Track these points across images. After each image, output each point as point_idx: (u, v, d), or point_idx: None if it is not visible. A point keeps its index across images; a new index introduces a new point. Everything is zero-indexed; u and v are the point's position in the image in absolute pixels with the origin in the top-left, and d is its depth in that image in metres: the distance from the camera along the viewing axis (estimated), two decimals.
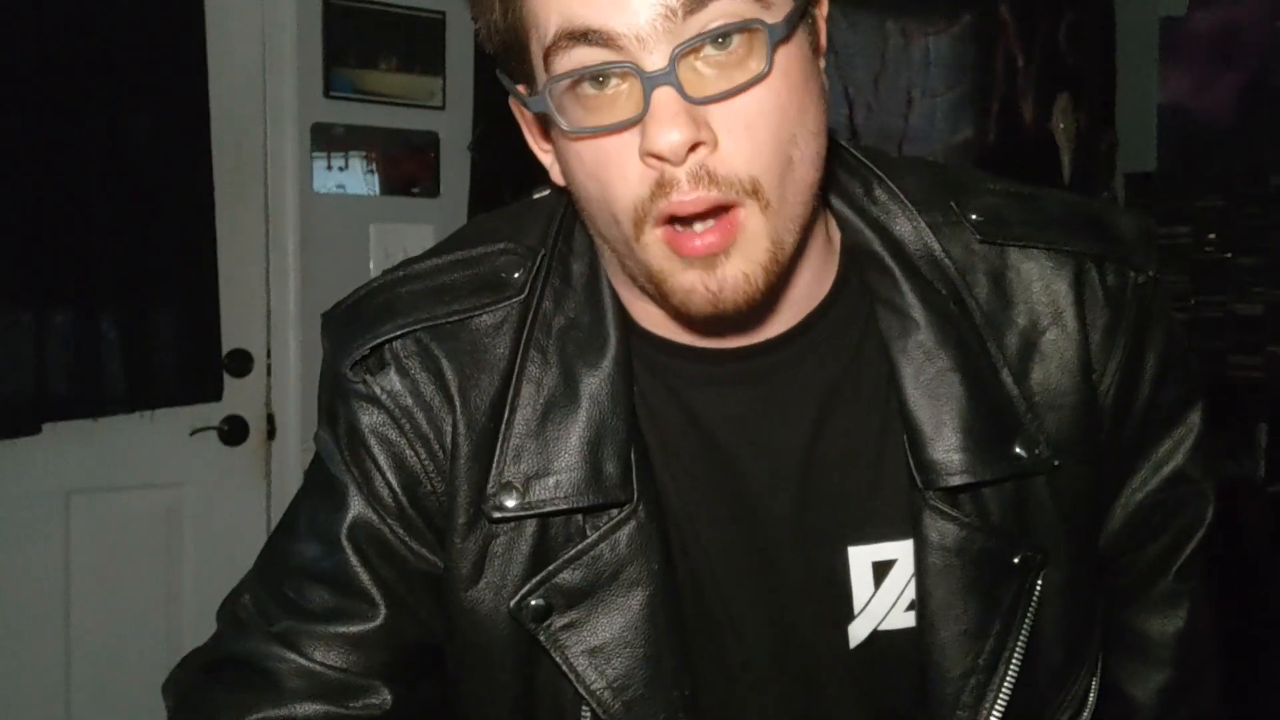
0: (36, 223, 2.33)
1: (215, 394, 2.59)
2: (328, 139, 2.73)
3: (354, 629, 0.89)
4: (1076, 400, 0.88)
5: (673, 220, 0.77)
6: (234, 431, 2.65)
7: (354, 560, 0.89)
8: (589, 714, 0.87)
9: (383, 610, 0.89)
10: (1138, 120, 4.06)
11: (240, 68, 2.65)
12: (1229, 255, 3.83)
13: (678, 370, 0.88)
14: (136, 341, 2.46)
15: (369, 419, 0.89)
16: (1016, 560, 0.86)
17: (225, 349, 2.62)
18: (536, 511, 0.85)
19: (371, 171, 2.80)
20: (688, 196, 0.75)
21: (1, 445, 2.37)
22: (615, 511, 0.85)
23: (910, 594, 0.87)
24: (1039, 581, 0.87)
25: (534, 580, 0.85)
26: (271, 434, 2.71)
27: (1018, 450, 0.86)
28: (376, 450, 0.89)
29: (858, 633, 0.89)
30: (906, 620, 0.88)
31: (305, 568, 0.91)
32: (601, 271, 0.89)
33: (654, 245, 0.78)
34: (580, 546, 0.85)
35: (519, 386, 0.87)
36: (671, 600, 0.86)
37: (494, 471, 0.86)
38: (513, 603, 0.85)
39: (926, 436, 0.85)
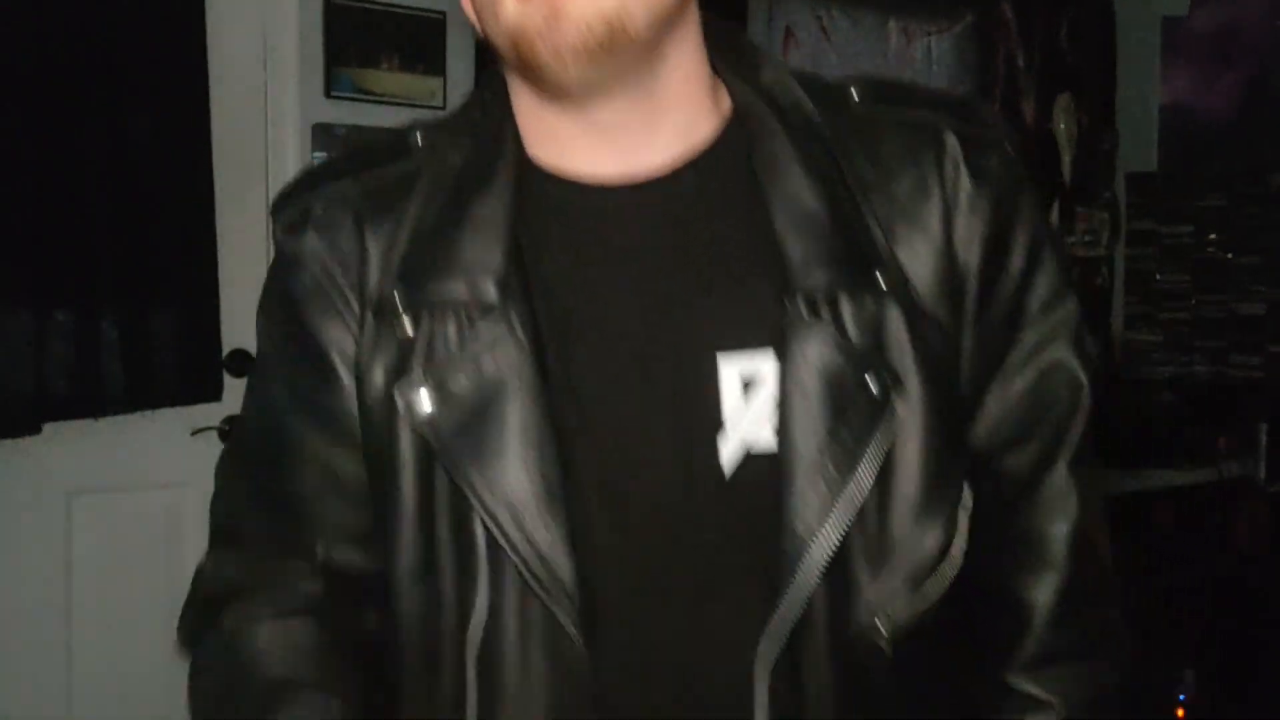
0: (36, 223, 2.33)
1: (216, 394, 2.59)
2: (329, 139, 2.72)
3: (293, 487, 0.97)
4: (939, 266, 0.92)
5: None
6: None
7: (293, 422, 0.97)
8: (482, 529, 0.90)
9: (319, 463, 0.96)
10: (1139, 120, 4.06)
11: (241, 67, 2.65)
12: (1230, 255, 3.83)
13: (566, 203, 0.93)
14: (137, 341, 2.46)
15: (296, 281, 0.96)
16: (870, 380, 0.89)
17: (226, 349, 2.62)
18: (426, 306, 0.92)
19: None
20: None
21: (2, 445, 2.37)
22: (495, 328, 0.90)
23: (776, 415, 0.90)
24: (892, 408, 0.89)
25: (427, 383, 0.90)
26: None
27: (878, 277, 0.90)
28: (305, 310, 0.96)
29: (730, 453, 0.91)
30: (772, 443, 0.90)
31: (250, 442, 1.01)
32: (508, 120, 0.95)
33: (509, 3, 0.83)
34: (466, 354, 0.90)
35: (417, 214, 0.94)
36: (553, 421, 0.90)
37: (392, 282, 0.93)
38: (405, 404, 0.91)
39: (793, 261, 0.90)
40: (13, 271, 2.32)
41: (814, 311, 0.89)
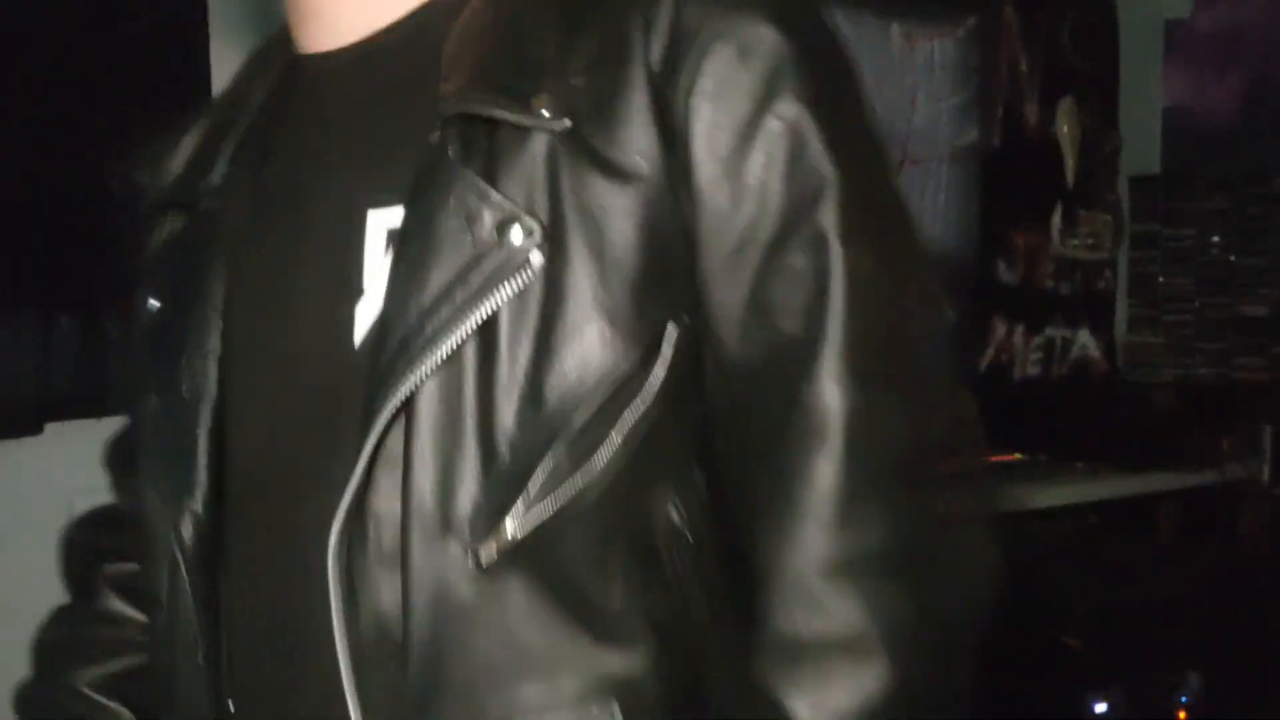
0: (40, 224, 2.33)
1: None
2: None
3: None
4: (648, 121, 0.76)
5: None
6: None
7: None
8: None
9: None
10: (1141, 122, 4.06)
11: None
12: (1233, 257, 3.83)
13: (289, 77, 0.94)
14: None
15: None
16: (508, 230, 0.74)
17: None
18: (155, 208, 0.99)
19: None
20: None
21: (4, 445, 2.37)
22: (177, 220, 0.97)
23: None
24: (530, 263, 0.74)
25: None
26: None
27: (536, 109, 0.75)
28: None
29: (365, 318, 0.80)
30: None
31: None
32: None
33: None
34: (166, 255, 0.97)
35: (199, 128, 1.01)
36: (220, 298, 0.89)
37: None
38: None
39: (443, 95, 0.78)
40: (15, 272, 2.32)
41: (453, 148, 0.77)
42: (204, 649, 0.87)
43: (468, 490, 0.74)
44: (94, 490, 2.51)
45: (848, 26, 3.60)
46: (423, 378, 0.74)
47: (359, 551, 0.76)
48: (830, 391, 0.74)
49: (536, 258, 0.75)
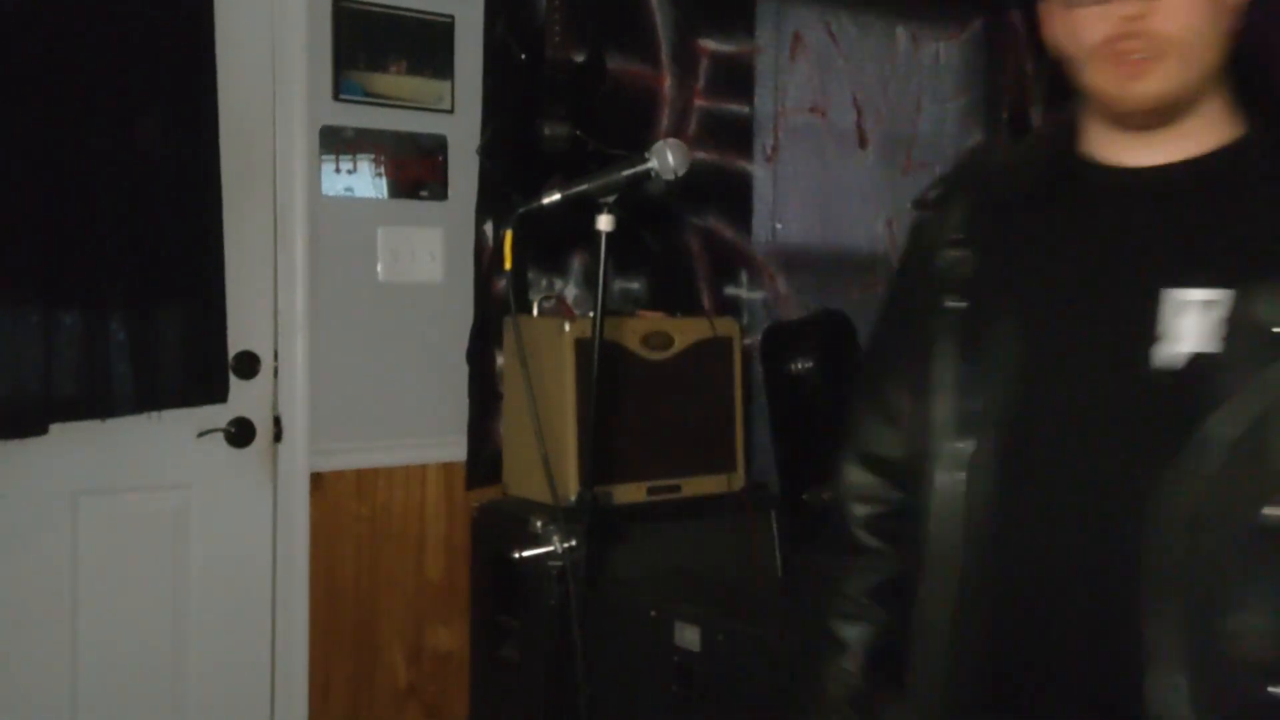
0: (46, 224, 2.33)
1: (222, 396, 2.60)
2: (336, 142, 2.73)
3: None
4: None
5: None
6: (241, 433, 2.65)
7: None
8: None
9: None
10: None
11: (249, 70, 2.66)
12: None
13: (1097, 178, 1.27)
14: (144, 343, 2.46)
15: None
16: None
17: (233, 351, 2.62)
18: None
19: (380, 175, 2.80)
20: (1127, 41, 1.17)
21: (9, 446, 2.38)
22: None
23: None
24: None
25: None
26: (278, 436, 2.72)
27: None
28: None
29: (1164, 356, 1.13)
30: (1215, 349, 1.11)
31: None
32: (1066, 127, 1.34)
33: (1093, 70, 1.23)
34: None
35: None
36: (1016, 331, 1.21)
37: None
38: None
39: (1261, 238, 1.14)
40: (21, 273, 2.32)
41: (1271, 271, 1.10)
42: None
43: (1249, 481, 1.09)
44: (98, 490, 2.53)
45: (853, 28, 3.60)
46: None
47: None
48: None
49: None
